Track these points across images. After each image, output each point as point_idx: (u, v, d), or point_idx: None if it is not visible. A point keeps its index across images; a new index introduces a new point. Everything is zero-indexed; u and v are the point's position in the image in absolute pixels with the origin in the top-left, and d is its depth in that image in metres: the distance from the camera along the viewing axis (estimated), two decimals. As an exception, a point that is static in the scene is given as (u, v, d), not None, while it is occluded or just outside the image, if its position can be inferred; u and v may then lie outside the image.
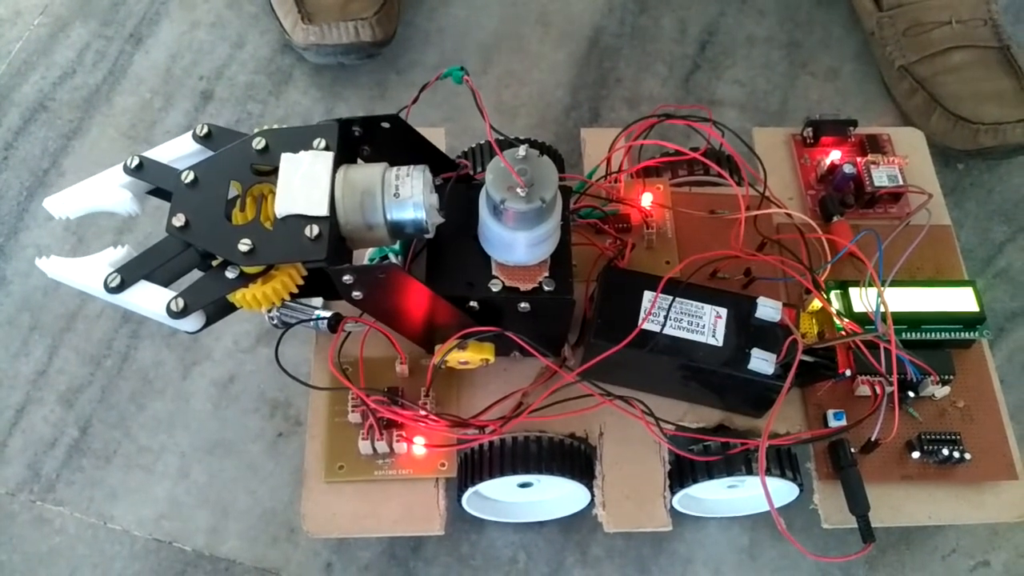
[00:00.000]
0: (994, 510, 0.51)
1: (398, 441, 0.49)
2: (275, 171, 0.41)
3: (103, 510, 0.60)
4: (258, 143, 0.42)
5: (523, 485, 0.53)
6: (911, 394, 0.52)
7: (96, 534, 0.59)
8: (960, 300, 0.52)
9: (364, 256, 0.50)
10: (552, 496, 0.56)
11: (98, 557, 0.59)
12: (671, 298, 0.47)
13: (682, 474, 0.51)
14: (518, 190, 0.40)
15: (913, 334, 0.52)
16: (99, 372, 0.64)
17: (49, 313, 0.66)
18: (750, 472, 0.49)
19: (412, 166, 0.42)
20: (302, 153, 0.41)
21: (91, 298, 0.64)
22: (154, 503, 0.60)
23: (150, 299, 0.41)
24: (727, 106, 0.78)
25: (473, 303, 0.45)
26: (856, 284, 0.51)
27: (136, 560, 0.59)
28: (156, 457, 0.62)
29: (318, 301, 0.52)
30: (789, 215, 0.52)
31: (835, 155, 0.59)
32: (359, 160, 0.46)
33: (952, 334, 0.52)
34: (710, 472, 0.50)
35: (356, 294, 0.43)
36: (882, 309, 0.48)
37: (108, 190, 0.43)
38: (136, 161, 0.43)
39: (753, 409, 0.51)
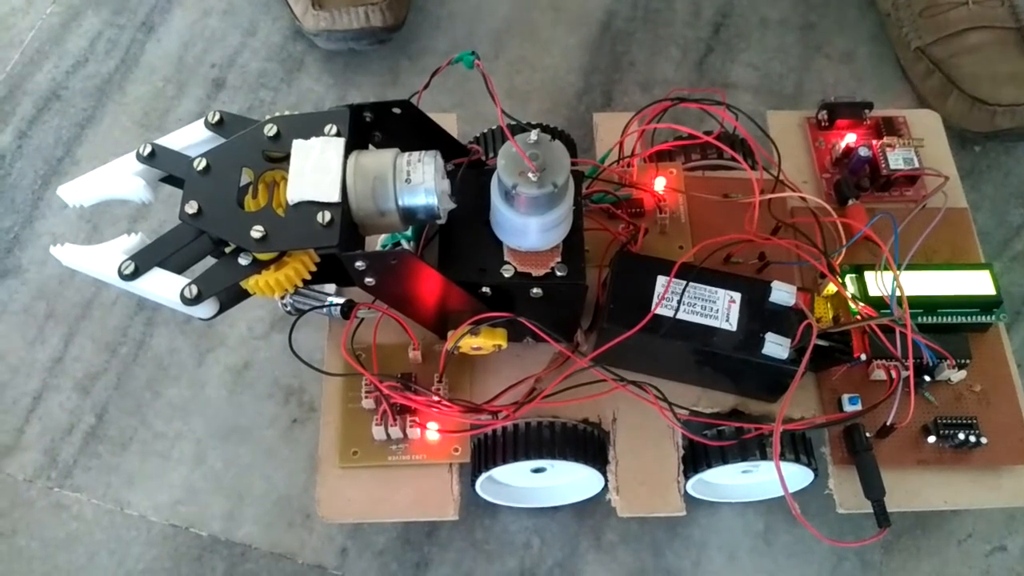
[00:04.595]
0: (1011, 494, 0.51)
1: (411, 427, 0.49)
2: (287, 158, 0.41)
3: (120, 496, 0.61)
4: (270, 130, 0.42)
5: (536, 470, 0.53)
6: (927, 378, 0.51)
7: (113, 520, 0.60)
8: (977, 283, 0.52)
9: (376, 242, 0.50)
10: (566, 481, 0.56)
11: (115, 543, 0.59)
12: (684, 283, 0.47)
13: (696, 459, 0.51)
14: (530, 175, 0.40)
15: (929, 318, 0.52)
16: (115, 359, 0.65)
17: (65, 301, 0.67)
18: (764, 457, 0.49)
19: (423, 152, 0.42)
20: (313, 139, 0.41)
21: (106, 286, 0.65)
22: (170, 489, 0.61)
23: (164, 286, 0.41)
24: (741, 89, 0.77)
25: (485, 289, 0.45)
26: (871, 268, 0.51)
27: (153, 546, 0.59)
28: (172, 443, 0.62)
29: (331, 288, 0.52)
30: (804, 199, 0.52)
31: (850, 138, 0.58)
32: (371, 146, 0.46)
33: (968, 318, 0.52)
34: (724, 457, 0.50)
35: (369, 280, 0.43)
36: (898, 293, 0.48)
37: (121, 178, 0.43)
38: (149, 149, 0.43)
39: (767, 394, 0.51)
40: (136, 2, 0.81)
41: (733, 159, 0.54)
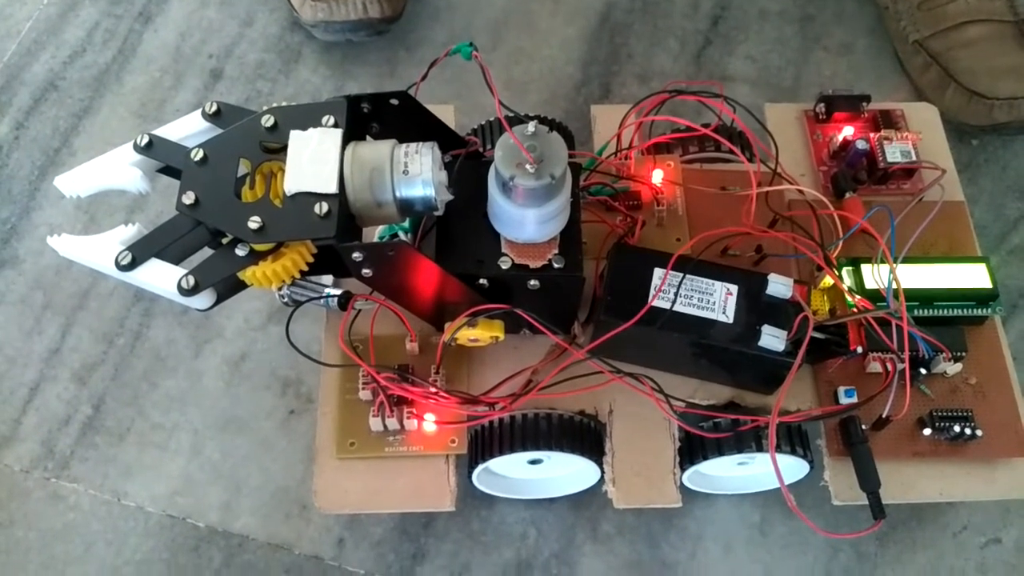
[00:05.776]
0: (1006, 487, 0.51)
1: (409, 418, 0.49)
2: (284, 148, 0.41)
3: (117, 487, 0.61)
4: (267, 120, 0.42)
5: (533, 462, 0.53)
6: (923, 371, 0.51)
7: (110, 510, 0.60)
8: (973, 276, 0.52)
9: (374, 234, 0.50)
10: (562, 473, 0.56)
11: (112, 533, 0.59)
12: (681, 275, 0.47)
13: (692, 451, 0.51)
14: (527, 167, 0.40)
15: (925, 311, 0.52)
16: (112, 350, 0.65)
17: (62, 292, 0.67)
18: (760, 449, 0.49)
19: (421, 143, 0.42)
20: (311, 130, 0.41)
21: (103, 276, 0.64)
22: (167, 480, 0.61)
23: (161, 277, 0.41)
24: (739, 82, 0.77)
25: (483, 280, 0.45)
26: (868, 260, 0.51)
27: (150, 536, 0.59)
28: (169, 434, 0.62)
29: (328, 279, 0.52)
30: (801, 191, 0.52)
31: (848, 131, 0.58)
32: (368, 137, 0.46)
33: (965, 311, 0.52)
34: (720, 449, 0.50)
35: (366, 272, 0.43)
36: (894, 286, 0.48)
37: (118, 168, 0.43)
38: (146, 139, 0.42)
39: (764, 386, 0.51)
40: (133, -8, 0.81)
41: (731, 152, 0.54)
